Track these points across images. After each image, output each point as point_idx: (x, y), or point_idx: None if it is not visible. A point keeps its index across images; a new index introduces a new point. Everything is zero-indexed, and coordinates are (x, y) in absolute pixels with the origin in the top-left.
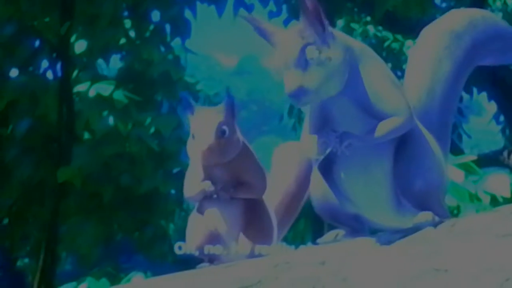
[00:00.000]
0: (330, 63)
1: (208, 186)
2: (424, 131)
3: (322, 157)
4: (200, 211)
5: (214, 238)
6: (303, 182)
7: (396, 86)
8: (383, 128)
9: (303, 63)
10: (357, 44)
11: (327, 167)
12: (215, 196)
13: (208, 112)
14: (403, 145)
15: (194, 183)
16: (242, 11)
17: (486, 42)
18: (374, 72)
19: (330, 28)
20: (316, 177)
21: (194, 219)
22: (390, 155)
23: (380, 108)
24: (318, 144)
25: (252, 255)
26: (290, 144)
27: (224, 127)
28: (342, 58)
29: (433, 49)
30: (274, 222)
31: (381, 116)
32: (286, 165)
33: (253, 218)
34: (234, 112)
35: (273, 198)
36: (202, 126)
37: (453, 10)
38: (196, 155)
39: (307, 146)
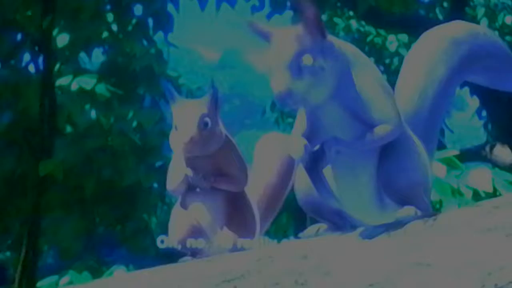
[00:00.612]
0: (322, 72)
1: (189, 172)
2: (410, 133)
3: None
4: (183, 205)
5: (196, 232)
6: (285, 174)
7: (387, 93)
8: (371, 136)
9: (295, 68)
10: (350, 48)
11: (313, 164)
12: (198, 189)
13: (191, 104)
14: (389, 147)
15: (176, 175)
16: (244, 18)
17: (483, 56)
18: (366, 78)
19: (329, 38)
20: (301, 171)
21: (176, 212)
22: (375, 156)
23: (370, 115)
24: (304, 149)
25: (234, 249)
26: (272, 135)
27: (207, 119)
28: (334, 67)
29: (431, 52)
30: (257, 215)
31: (370, 122)
32: (268, 158)
33: (236, 212)
34: (217, 105)
35: (255, 191)
36: (185, 117)
37: (456, 21)
38: (179, 147)
39: (294, 146)
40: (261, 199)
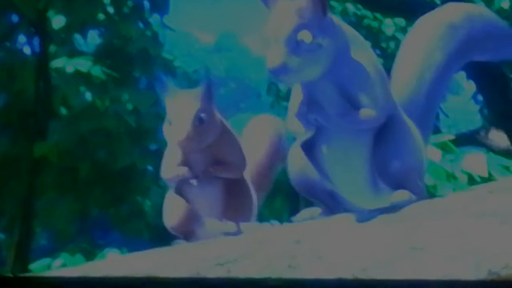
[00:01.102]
0: (319, 50)
1: (183, 172)
2: (405, 117)
3: (308, 135)
4: (178, 190)
5: (192, 218)
6: (275, 154)
7: (381, 78)
8: (353, 117)
9: (292, 42)
10: (349, 29)
11: (309, 146)
12: (192, 180)
13: (185, 97)
14: (383, 131)
15: (171, 165)
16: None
17: (482, 39)
18: (362, 60)
19: (329, 15)
20: (295, 151)
21: (171, 198)
22: (369, 142)
23: (358, 96)
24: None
25: (236, 233)
26: (262, 117)
27: (202, 115)
28: (331, 46)
29: (428, 38)
30: (255, 200)
31: (357, 104)
32: (257, 138)
33: (233, 198)
34: (212, 95)
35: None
36: (179, 113)
37: (451, 3)
38: (174, 142)
39: (293, 125)
40: (252, 179)
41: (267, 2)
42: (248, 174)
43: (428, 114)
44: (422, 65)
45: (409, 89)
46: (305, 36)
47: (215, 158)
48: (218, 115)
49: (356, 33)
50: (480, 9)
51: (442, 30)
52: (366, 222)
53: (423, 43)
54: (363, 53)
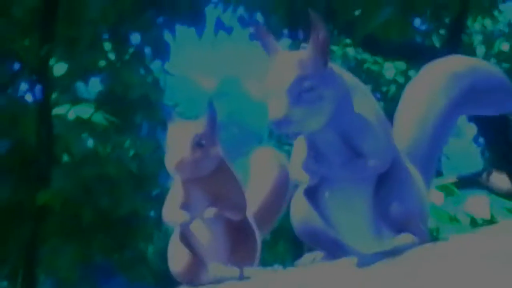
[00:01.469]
0: (321, 101)
1: (182, 219)
2: (407, 162)
3: (311, 184)
4: (182, 234)
5: (195, 265)
6: (281, 190)
7: (382, 124)
8: (357, 168)
9: (295, 94)
10: (349, 77)
11: (312, 192)
12: (194, 222)
13: (187, 124)
14: (385, 176)
15: (172, 207)
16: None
17: (485, 91)
18: (364, 107)
19: (330, 65)
20: (298, 199)
21: (174, 244)
22: (371, 187)
23: (361, 144)
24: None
25: (240, 278)
26: (265, 149)
27: (201, 139)
28: (333, 96)
29: (431, 84)
30: (259, 241)
31: (359, 151)
32: (262, 173)
33: (239, 240)
34: (214, 125)
35: (251, 204)
36: (178, 137)
37: (455, 55)
38: (171, 168)
39: (299, 176)
40: (258, 212)
41: (268, 50)
42: (251, 210)
43: (430, 158)
44: (426, 109)
45: (412, 133)
46: (307, 87)
47: (216, 196)
48: (219, 148)
49: (357, 80)
50: (483, 63)
51: (446, 78)
52: (369, 266)
53: (426, 88)
54: (365, 101)
